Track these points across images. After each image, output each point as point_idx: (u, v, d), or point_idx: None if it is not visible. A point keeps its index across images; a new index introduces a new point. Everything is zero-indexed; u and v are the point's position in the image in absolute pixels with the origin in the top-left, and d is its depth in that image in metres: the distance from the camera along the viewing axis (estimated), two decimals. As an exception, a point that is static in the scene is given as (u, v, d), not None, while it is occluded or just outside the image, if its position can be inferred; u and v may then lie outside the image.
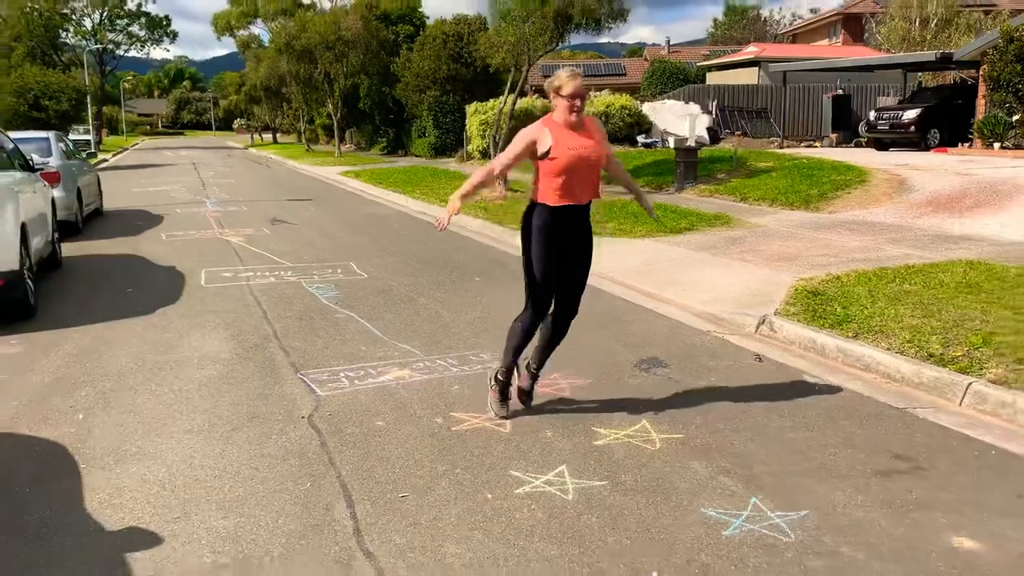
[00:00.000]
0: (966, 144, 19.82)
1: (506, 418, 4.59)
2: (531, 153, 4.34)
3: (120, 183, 22.17)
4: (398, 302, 7.55)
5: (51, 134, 13.40)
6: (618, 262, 8.95)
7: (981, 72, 19.87)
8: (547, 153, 4.26)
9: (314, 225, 13.31)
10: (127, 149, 51.47)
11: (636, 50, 75.38)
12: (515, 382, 4.72)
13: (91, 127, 45.12)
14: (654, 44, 68.20)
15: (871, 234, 9.99)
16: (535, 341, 4.67)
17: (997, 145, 18.59)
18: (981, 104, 19.84)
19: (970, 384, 4.92)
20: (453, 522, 3.38)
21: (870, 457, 4.04)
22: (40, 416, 4.70)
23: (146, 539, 3.26)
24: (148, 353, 5.99)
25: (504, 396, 4.68)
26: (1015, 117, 18.44)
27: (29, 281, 7.22)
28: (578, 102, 4.26)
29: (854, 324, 6.11)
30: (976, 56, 20.27)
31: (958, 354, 5.34)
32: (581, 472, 3.86)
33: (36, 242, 7.97)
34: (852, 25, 39.97)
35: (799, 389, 5.13)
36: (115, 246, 11.28)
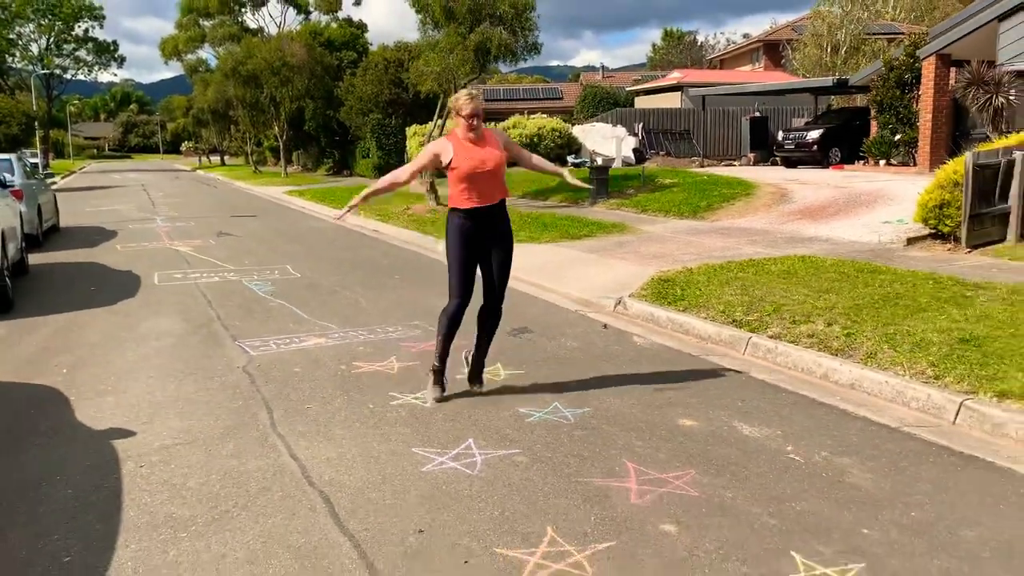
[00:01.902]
0: (861, 162, 21.85)
1: (439, 401, 5.10)
2: (436, 164, 5.03)
3: (72, 204, 23.20)
4: (324, 294, 8.98)
5: (12, 156, 14.59)
6: (519, 262, 10.40)
7: (870, 96, 22.02)
8: (450, 163, 4.95)
9: (256, 237, 14.67)
10: (74, 172, 51.94)
11: (580, 74, 77.70)
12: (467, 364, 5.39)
13: (39, 151, 45.64)
14: (592, 68, 70.55)
15: (737, 237, 11.69)
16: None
17: (883, 162, 20.68)
18: (874, 125, 21.93)
19: (750, 338, 6.54)
20: (341, 419, 4.85)
21: (654, 382, 5.59)
22: (32, 372, 6.04)
23: (123, 433, 4.66)
24: (114, 331, 7.35)
25: (437, 382, 5.21)
26: (897, 136, 20.55)
27: (7, 279, 8.50)
28: (474, 120, 4.88)
29: (686, 301, 7.71)
30: (867, 82, 22.42)
31: (752, 319, 6.96)
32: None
33: (11, 248, 9.25)
34: (772, 52, 42.56)
35: (626, 345, 6.70)
36: (75, 256, 12.52)
